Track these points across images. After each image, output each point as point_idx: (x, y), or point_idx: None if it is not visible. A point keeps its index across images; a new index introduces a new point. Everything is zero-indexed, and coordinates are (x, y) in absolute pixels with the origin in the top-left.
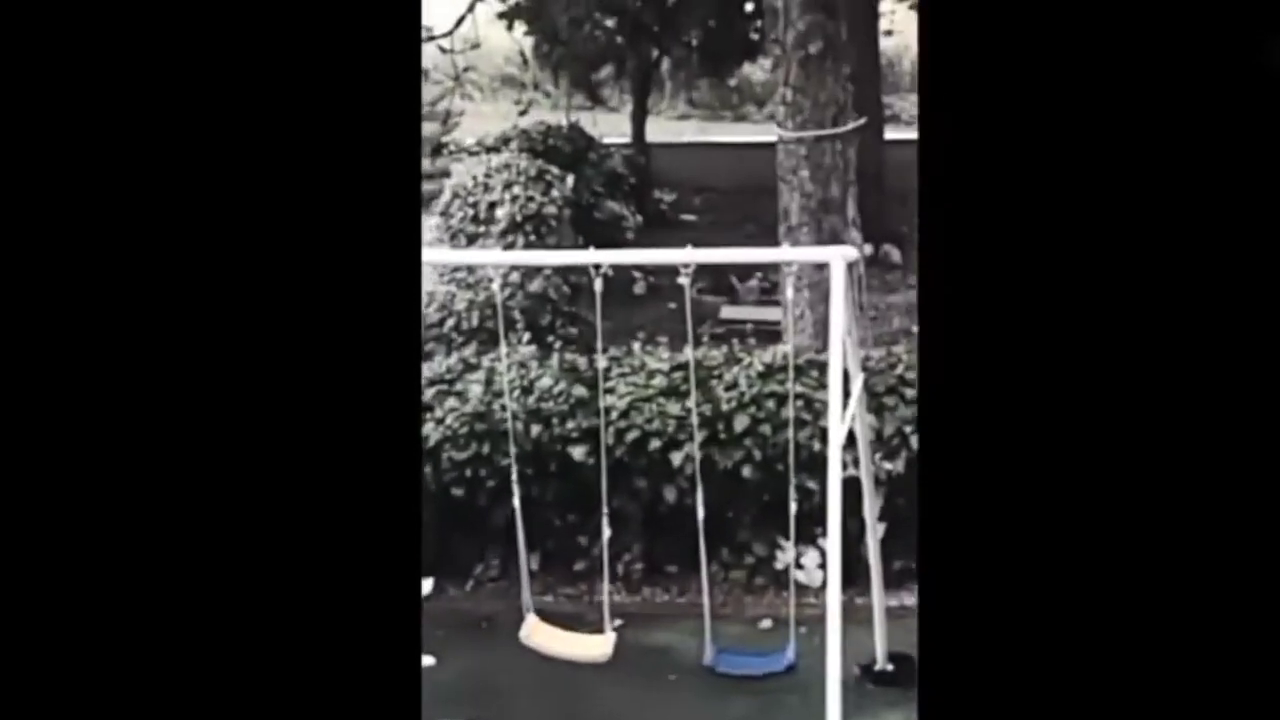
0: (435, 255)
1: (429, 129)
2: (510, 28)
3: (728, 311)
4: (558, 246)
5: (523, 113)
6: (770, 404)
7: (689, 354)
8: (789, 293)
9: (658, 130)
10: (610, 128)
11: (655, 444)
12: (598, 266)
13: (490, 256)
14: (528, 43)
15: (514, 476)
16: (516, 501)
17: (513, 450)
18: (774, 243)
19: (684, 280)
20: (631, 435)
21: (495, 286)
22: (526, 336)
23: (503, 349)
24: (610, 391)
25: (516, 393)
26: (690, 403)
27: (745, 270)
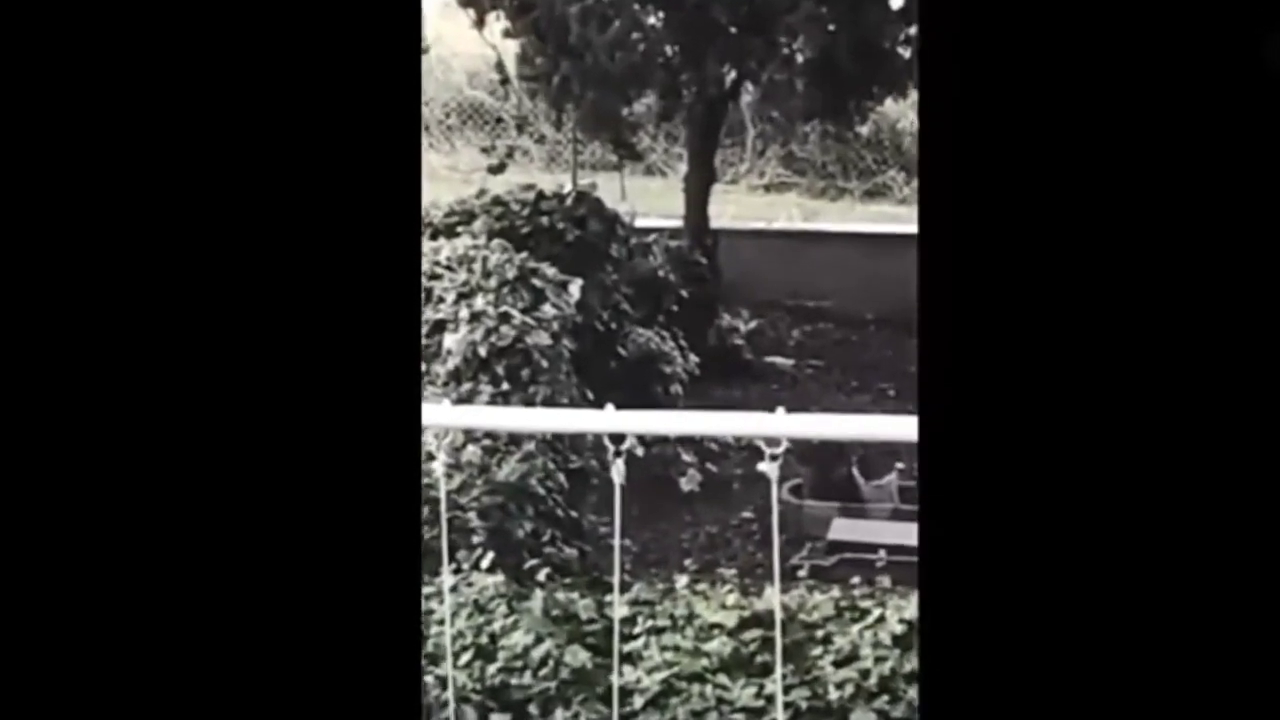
0: None
1: None
2: (481, 24)
3: (843, 528)
4: (549, 401)
5: (497, 168)
6: (915, 692)
7: (773, 600)
8: None
9: (731, 208)
10: (650, 201)
11: None
12: (618, 439)
13: (429, 414)
14: (510, 49)
15: None
16: None
17: None
18: None
19: (768, 469)
20: None
21: (437, 468)
22: (489, 558)
23: (445, 580)
24: (633, 661)
25: (467, 656)
26: (773, 684)
27: (876, 458)
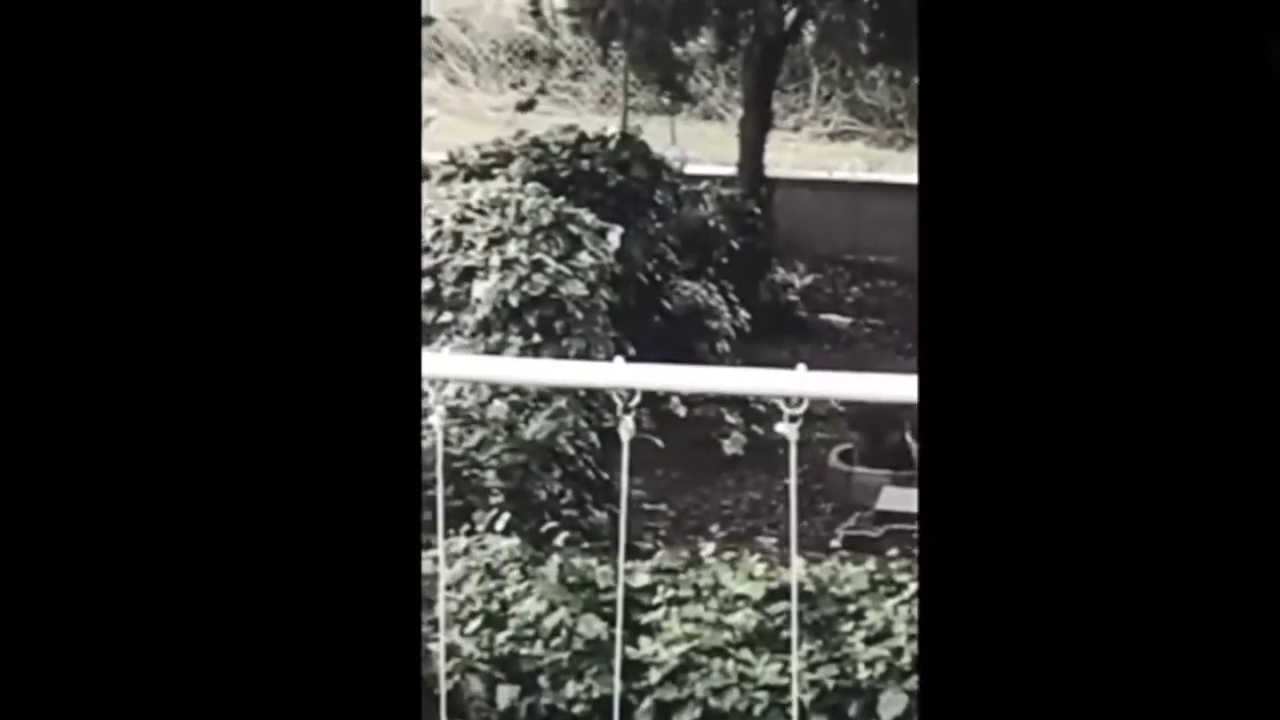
0: None
1: None
2: None
3: (894, 497)
4: (584, 356)
5: (526, 105)
6: None
7: (793, 569)
8: None
9: (789, 157)
10: (705, 147)
11: None
12: (628, 394)
13: (442, 364)
14: None
15: None
16: None
17: None
18: None
19: (787, 429)
20: (686, 717)
21: (434, 423)
22: (504, 519)
23: (439, 542)
24: (648, 631)
25: (475, 624)
26: (792, 662)
27: None
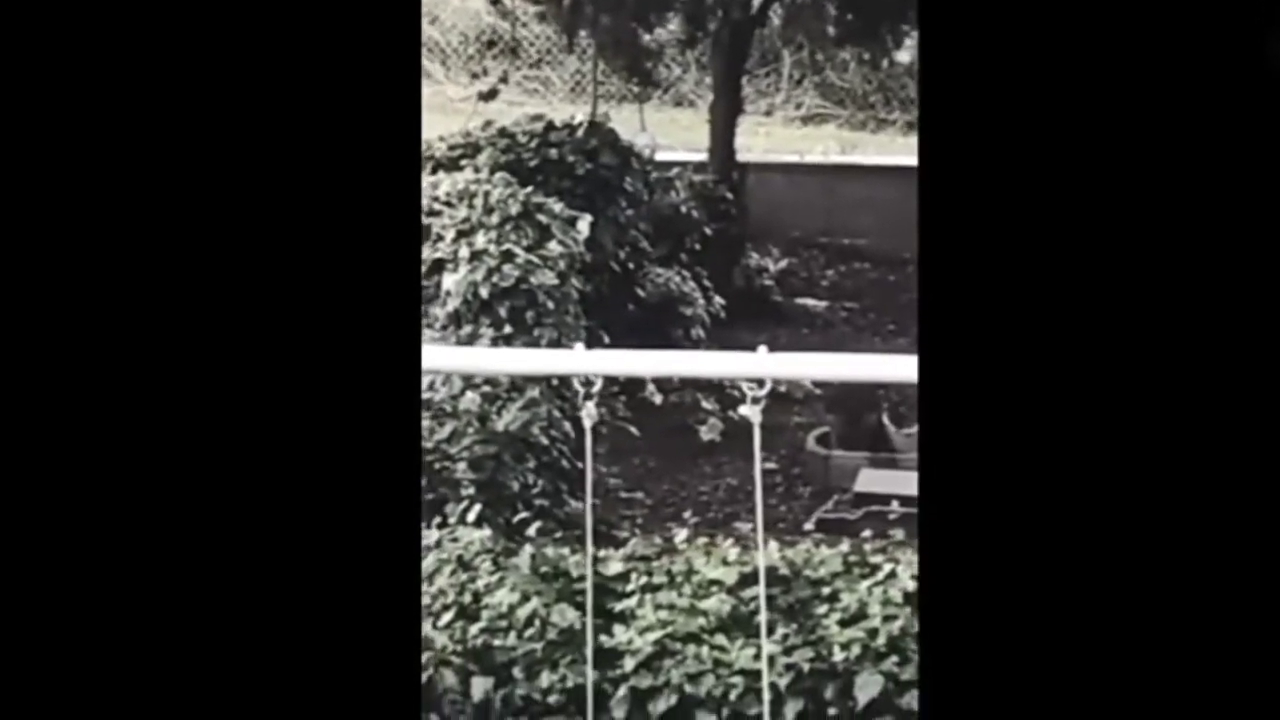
0: None
1: None
2: None
3: (872, 479)
4: (556, 345)
5: (488, 94)
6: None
7: (760, 553)
8: None
9: (760, 142)
10: (674, 134)
11: None
12: (588, 383)
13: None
14: None
15: None
16: None
17: None
18: None
19: (750, 411)
20: (661, 704)
21: None
22: (476, 511)
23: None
24: (622, 619)
25: (448, 616)
26: (773, 644)
27: (909, 405)
